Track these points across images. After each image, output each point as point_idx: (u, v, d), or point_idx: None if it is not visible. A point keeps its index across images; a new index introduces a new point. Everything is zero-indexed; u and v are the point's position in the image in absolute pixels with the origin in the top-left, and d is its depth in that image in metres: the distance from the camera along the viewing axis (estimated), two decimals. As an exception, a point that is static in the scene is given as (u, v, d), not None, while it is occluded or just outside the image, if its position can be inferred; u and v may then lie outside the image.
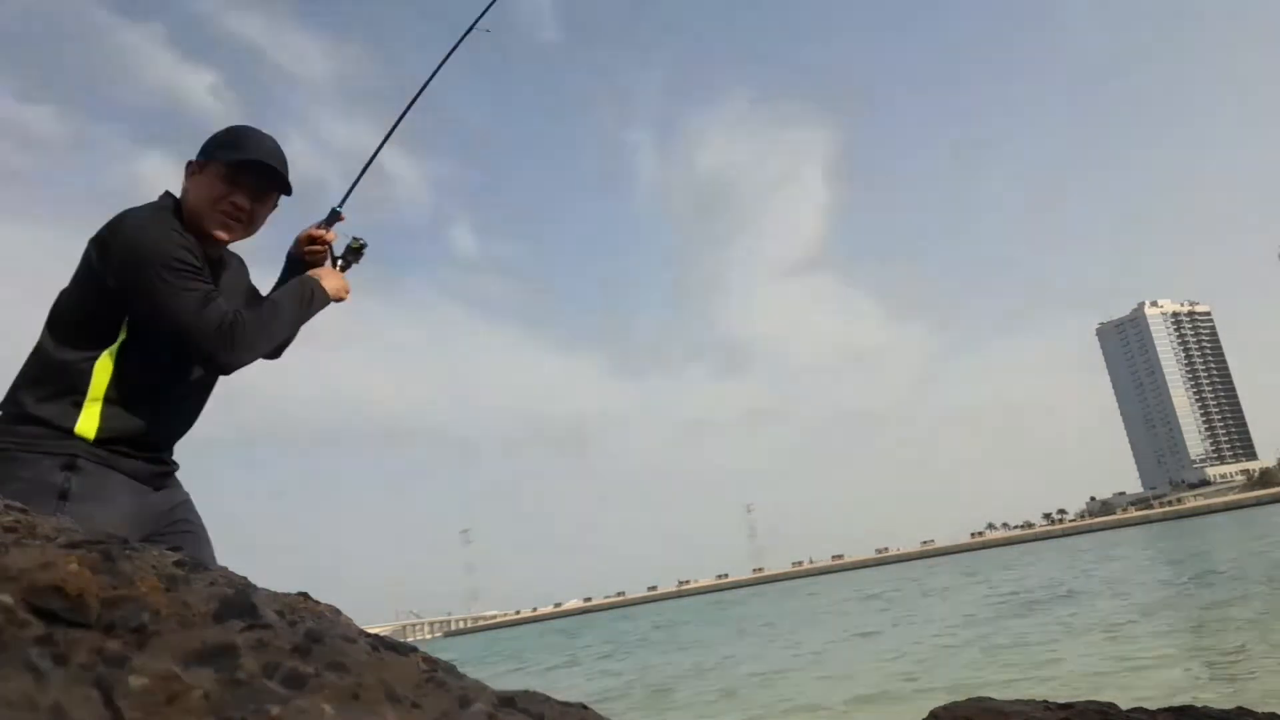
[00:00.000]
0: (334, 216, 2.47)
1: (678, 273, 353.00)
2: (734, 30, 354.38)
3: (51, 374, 1.96)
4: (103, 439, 1.97)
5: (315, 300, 2.26)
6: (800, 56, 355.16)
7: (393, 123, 2.78)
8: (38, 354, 2.00)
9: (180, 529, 2.12)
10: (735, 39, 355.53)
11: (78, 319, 2.00)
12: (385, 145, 2.78)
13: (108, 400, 1.98)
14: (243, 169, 2.16)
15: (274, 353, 2.40)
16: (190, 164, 2.17)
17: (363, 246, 2.47)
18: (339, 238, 2.48)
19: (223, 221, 2.14)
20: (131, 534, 1.92)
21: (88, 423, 1.96)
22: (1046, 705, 1.73)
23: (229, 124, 2.26)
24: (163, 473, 2.11)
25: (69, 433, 1.93)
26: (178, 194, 2.15)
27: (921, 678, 10.12)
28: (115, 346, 2.00)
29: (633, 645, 25.02)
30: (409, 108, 2.79)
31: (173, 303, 1.97)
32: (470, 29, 2.92)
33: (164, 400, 2.10)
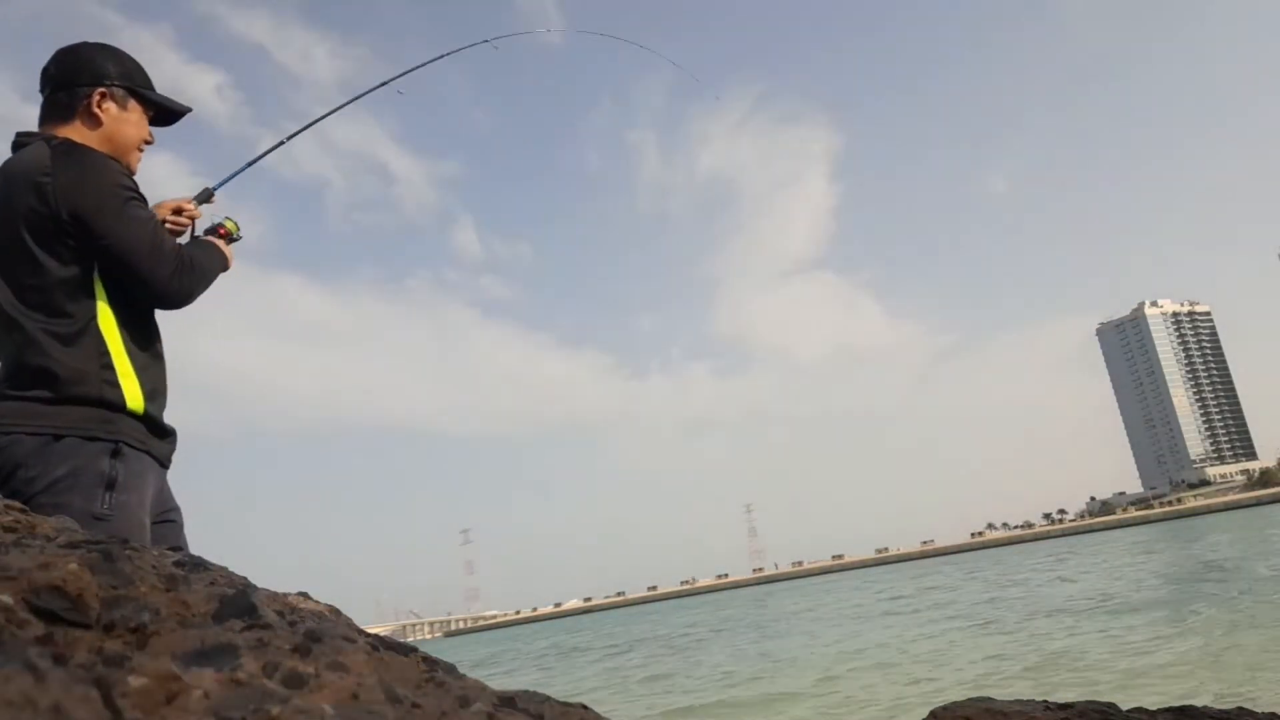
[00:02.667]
0: (206, 195, 2.37)
1: (679, 272, 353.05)
2: (738, 31, 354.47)
3: (59, 346, 1.80)
4: (148, 411, 1.88)
5: (224, 263, 2.16)
6: (803, 56, 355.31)
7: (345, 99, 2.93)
8: (19, 332, 1.81)
9: (169, 517, 2.02)
10: (739, 39, 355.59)
11: (42, 280, 1.82)
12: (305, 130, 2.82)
13: (135, 364, 1.88)
14: (164, 116, 2.11)
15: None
16: (103, 91, 1.98)
17: (237, 236, 2.27)
18: (204, 216, 2.36)
19: (138, 159, 2.06)
20: (149, 522, 1.88)
21: (133, 394, 1.86)
22: (1047, 705, 1.73)
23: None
24: (172, 449, 2.02)
25: (122, 409, 1.83)
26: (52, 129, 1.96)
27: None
28: (103, 299, 1.87)
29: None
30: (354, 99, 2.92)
31: (133, 228, 1.86)
32: (475, 44, 3.17)
33: (160, 351, 2.01)
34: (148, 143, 2.09)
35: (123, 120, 2.01)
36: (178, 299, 1.97)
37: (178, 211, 2.30)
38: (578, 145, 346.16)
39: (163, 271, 1.90)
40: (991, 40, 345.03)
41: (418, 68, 3.17)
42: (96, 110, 1.97)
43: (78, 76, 1.98)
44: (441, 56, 3.30)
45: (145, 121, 2.07)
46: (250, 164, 2.56)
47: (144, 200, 1.95)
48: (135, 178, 2.00)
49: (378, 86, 3.04)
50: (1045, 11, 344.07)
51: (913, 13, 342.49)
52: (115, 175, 1.90)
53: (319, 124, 2.91)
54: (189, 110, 2.17)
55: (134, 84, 2.04)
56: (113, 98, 1.99)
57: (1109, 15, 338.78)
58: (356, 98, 3.01)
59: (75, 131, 1.96)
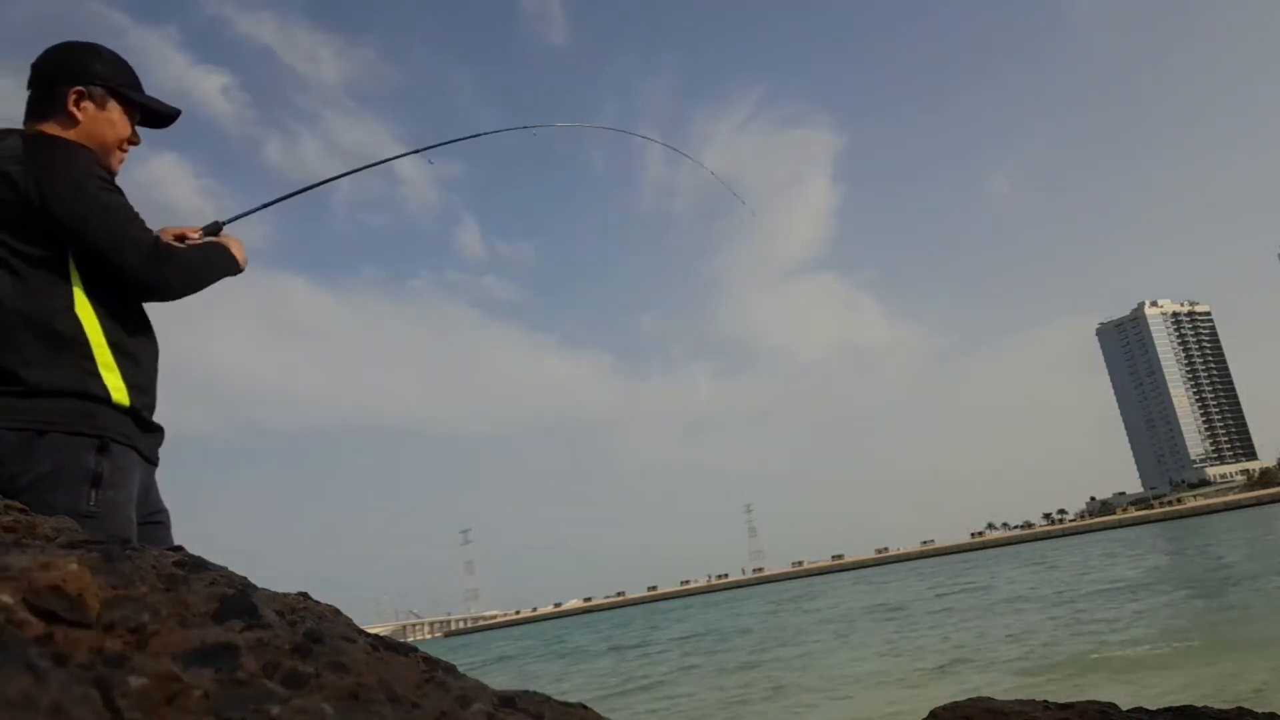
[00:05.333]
0: (215, 228, 2.36)
1: (681, 273, 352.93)
2: (743, 32, 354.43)
3: (36, 337, 1.76)
4: (133, 404, 1.84)
5: (229, 265, 2.14)
6: (806, 58, 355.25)
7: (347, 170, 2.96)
8: None
9: (156, 519, 1.98)
10: (744, 40, 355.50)
11: (16, 270, 1.79)
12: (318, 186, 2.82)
13: (116, 354, 1.84)
14: (155, 119, 2.09)
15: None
16: (80, 90, 1.97)
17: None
18: None
19: (120, 160, 2.04)
20: (136, 519, 1.85)
21: (116, 386, 1.82)
22: (1047, 705, 1.73)
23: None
24: (159, 444, 1.99)
25: (105, 402, 1.79)
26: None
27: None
28: (80, 288, 1.83)
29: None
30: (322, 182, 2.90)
31: (104, 216, 1.84)
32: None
33: (148, 340, 1.97)
34: (132, 143, 2.07)
35: (101, 120, 1.99)
36: (155, 290, 1.94)
37: (180, 239, 2.26)
38: (582, 146, 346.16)
39: (135, 260, 1.86)
40: (994, 42, 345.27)
41: (452, 142, 3.22)
42: (73, 109, 1.96)
43: (57, 75, 1.97)
44: (477, 136, 3.35)
45: (127, 122, 2.05)
46: (265, 206, 2.57)
47: (118, 190, 1.93)
48: (119, 179, 1.99)
49: (410, 153, 3.11)
50: (1048, 14, 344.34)
51: (915, 14, 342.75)
52: (86, 164, 1.88)
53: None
54: (178, 112, 2.15)
55: (115, 84, 2.02)
56: (91, 97, 1.98)
57: (1112, 18, 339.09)
58: (387, 161, 3.12)
59: (52, 129, 1.95)
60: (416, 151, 3.08)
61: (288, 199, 2.67)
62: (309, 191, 2.75)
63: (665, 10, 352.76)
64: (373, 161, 3.03)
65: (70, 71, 1.98)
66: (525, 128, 3.46)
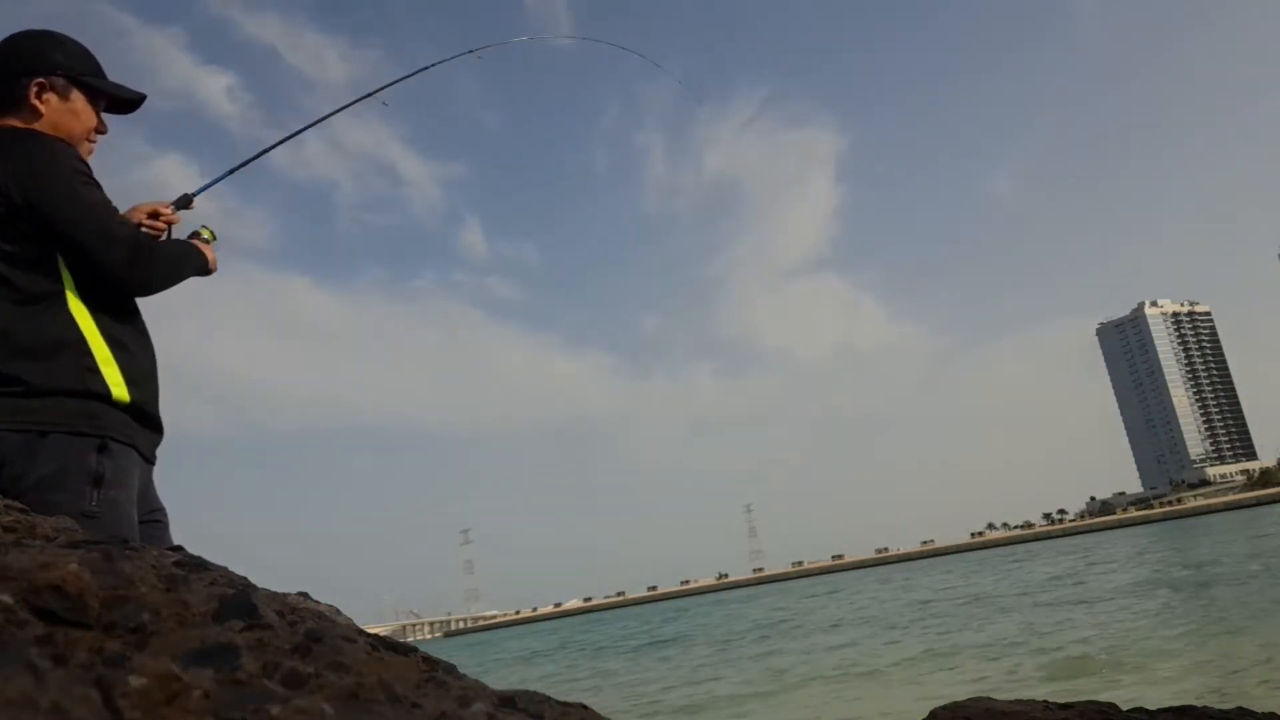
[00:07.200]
0: (184, 201, 2.31)
1: (684, 273, 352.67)
2: (745, 33, 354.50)
3: (32, 335, 1.75)
4: (133, 399, 1.83)
5: (201, 265, 2.10)
6: (810, 59, 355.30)
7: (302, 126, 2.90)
8: None
9: (155, 518, 1.98)
10: (746, 41, 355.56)
11: (5, 268, 1.77)
12: (271, 150, 2.78)
13: (113, 349, 1.83)
14: (120, 104, 2.06)
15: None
16: (41, 82, 1.90)
17: (211, 239, 2.28)
18: (181, 222, 2.31)
19: (89, 151, 1.99)
20: (137, 518, 1.85)
21: (115, 381, 1.80)
22: (1047, 705, 1.73)
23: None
24: (158, 442, 1.98)
25: (106, 399, 1.78)
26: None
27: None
28: (70, 283, 1.81)
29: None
30: (305, 128, 2.89)
31: (83, 211, 1.80)
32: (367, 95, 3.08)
33: (142, 333, 1.95)
34: (99, 132, 2.02)
35: (65, 111, 1.93)
36: (135, 285, 1.91)
37: (154, 215, 2.23)
38: (585, 147, 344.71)
39: (115, 256, 1.83)
40: (996, 43, 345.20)
41: (402, 80, 3.15)
42: (36, 102, 1.89)
43: (15, 66, 1.90)
44: (425, 69, 3.27)
45: (92, 111, 2.00)
46: (230, 172, 2.54)
47: (97, 184, 1.89)
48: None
49: (362, 98, 3.03)
50: (1051, 13, 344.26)
51: (917, 14, 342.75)
52: (66, 158, 1.85)
53: (320, 127, 2.91)
54: (143, 97, 2.11)
55: (77, 73, 1.96)
56: (53, 88, 1.91)
57: (1114, 18, 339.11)
58: (340, 110, 3.00)
59: (14, 124, 1.89)
60: (369, 95, 3.04)
61: (251, 162, 2.63)
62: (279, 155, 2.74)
63: (669, 11, 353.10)
64: (331, 111, 2.97)
65: (29, 62, 1.91)
66: (470, 51, 3.45)
